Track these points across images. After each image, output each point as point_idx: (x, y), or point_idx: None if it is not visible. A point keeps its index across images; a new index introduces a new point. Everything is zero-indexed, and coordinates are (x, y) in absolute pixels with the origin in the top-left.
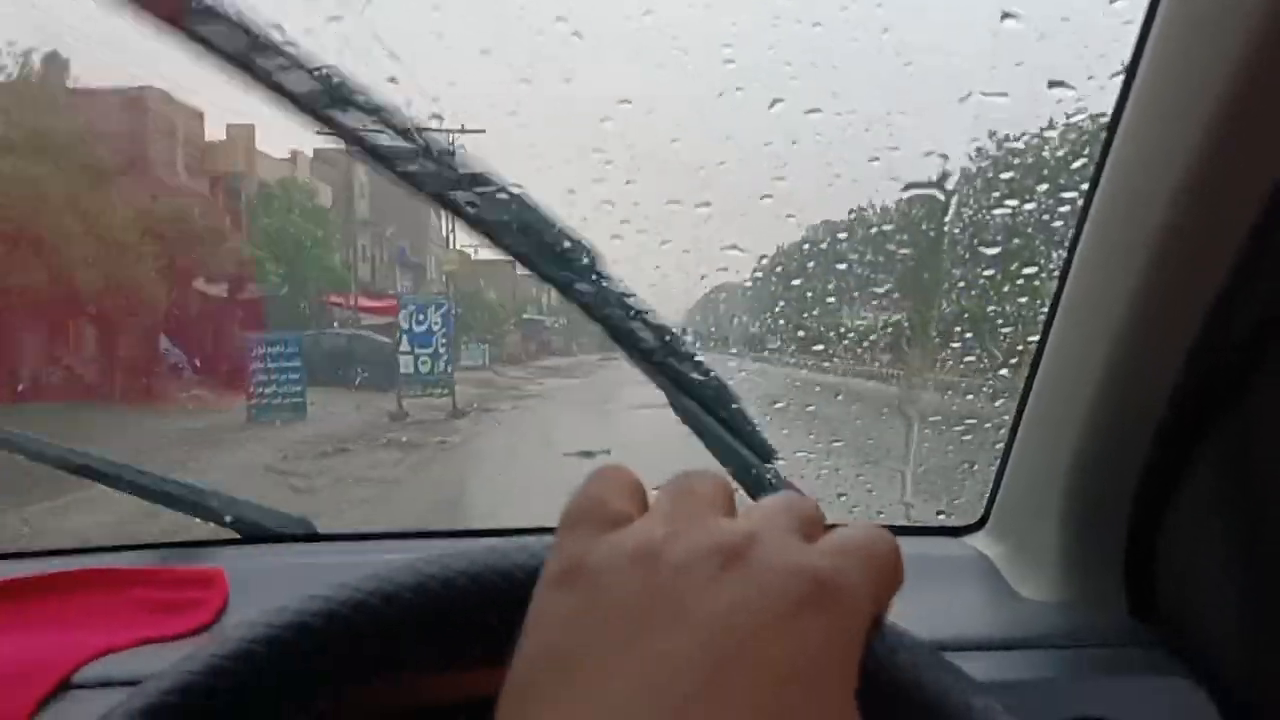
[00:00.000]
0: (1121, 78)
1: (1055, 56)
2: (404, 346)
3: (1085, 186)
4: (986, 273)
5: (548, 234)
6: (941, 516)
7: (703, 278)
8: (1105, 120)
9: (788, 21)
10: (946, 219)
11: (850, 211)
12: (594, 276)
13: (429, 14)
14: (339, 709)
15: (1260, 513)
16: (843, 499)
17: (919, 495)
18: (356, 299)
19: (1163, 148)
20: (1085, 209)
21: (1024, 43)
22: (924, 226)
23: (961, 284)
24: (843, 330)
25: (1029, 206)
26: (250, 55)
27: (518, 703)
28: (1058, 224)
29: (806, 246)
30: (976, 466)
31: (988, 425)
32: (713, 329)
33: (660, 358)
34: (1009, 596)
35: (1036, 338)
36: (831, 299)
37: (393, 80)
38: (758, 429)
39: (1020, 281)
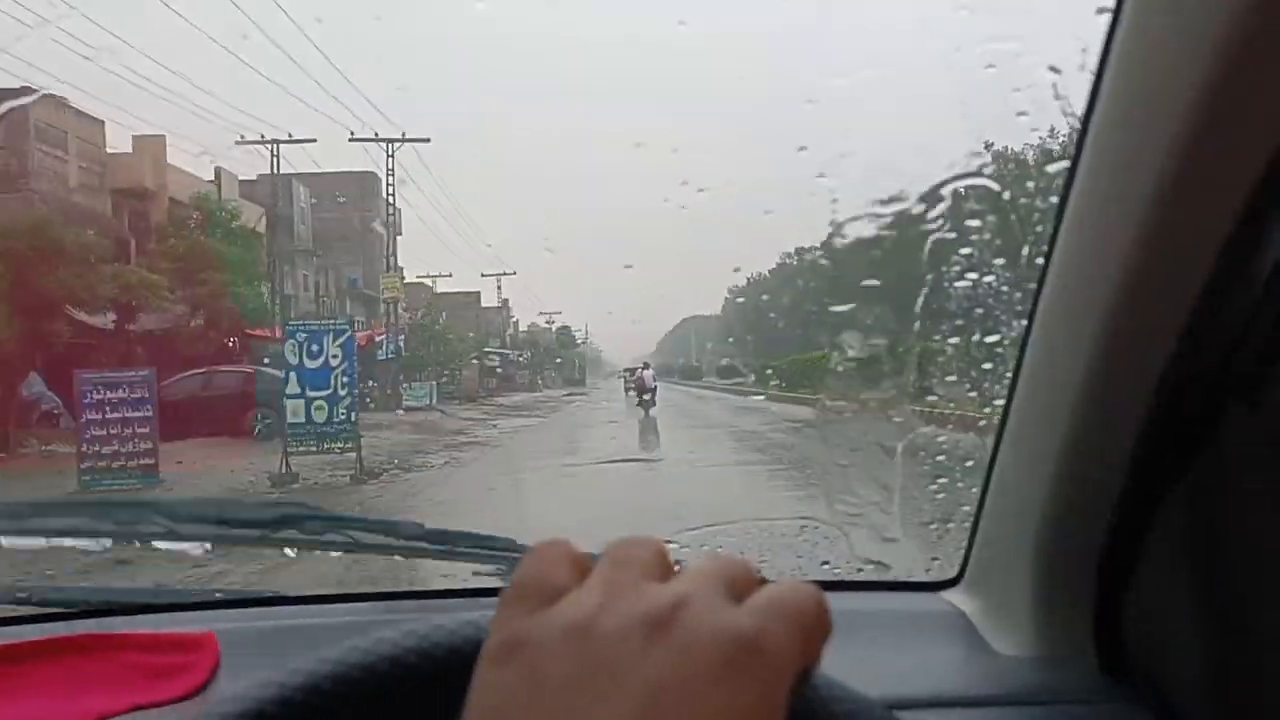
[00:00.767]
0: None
1: None
2: (292, 388)
3: (1040, 260)
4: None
5: None
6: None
7: None
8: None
9: None
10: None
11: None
12: None
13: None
14: None
15: (1228, 565)
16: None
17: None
18: (277, 331)
19: (1111, 217)
20: (1044, 271)
21: None
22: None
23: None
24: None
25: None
26: None
27: None
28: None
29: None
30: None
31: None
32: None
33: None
34: (984, 652)
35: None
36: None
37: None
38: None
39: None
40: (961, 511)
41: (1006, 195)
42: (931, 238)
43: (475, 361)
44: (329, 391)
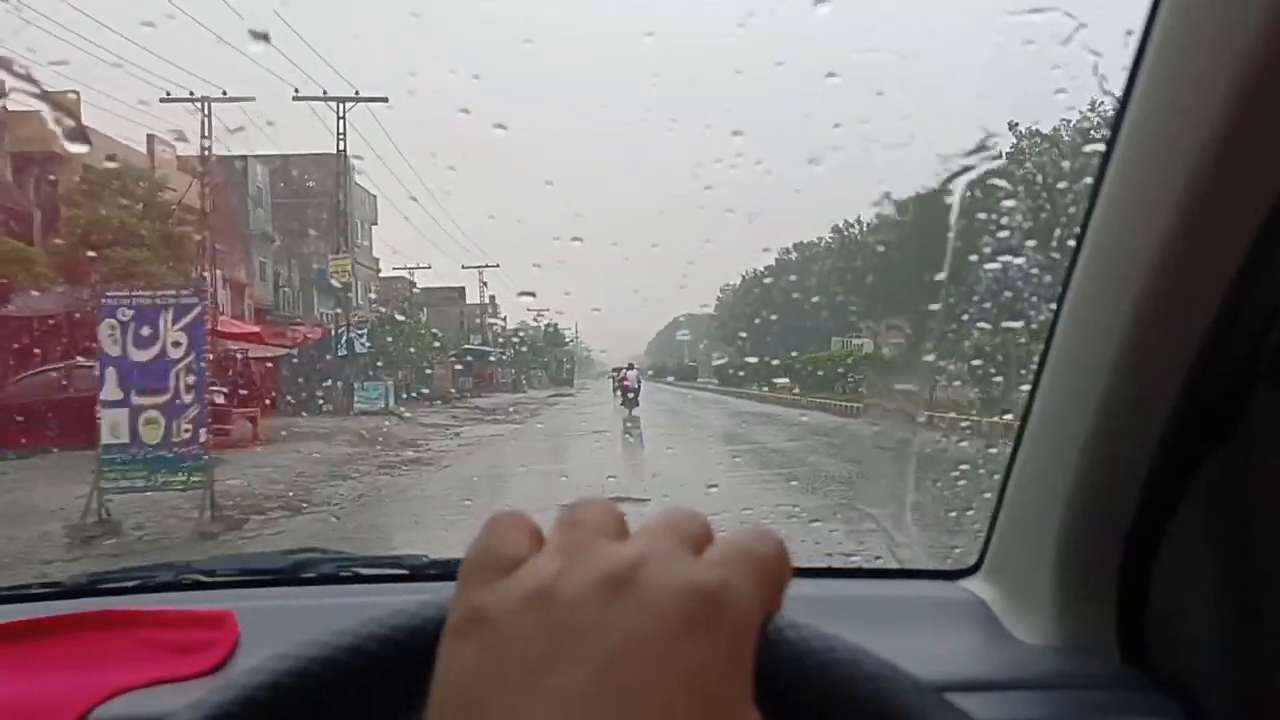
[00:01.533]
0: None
1: None
2: (108, 391)
3: (1071, 243)
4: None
5: None
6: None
7: None
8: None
9: None
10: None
11: None
12: None
13: None
14: None
15: (1250, 555)
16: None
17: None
18: (216, 319)
19: (1146, 199)
20: (1073, 260)
21: None
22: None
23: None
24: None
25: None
26: None
27: None
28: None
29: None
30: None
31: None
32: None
33: None
34: (1004, 639)
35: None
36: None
37: None
38: None
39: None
40: (981, 499)
41: (1040, 178)
42: (957, 222)
43: (453, 359)
44: (166, 397)
